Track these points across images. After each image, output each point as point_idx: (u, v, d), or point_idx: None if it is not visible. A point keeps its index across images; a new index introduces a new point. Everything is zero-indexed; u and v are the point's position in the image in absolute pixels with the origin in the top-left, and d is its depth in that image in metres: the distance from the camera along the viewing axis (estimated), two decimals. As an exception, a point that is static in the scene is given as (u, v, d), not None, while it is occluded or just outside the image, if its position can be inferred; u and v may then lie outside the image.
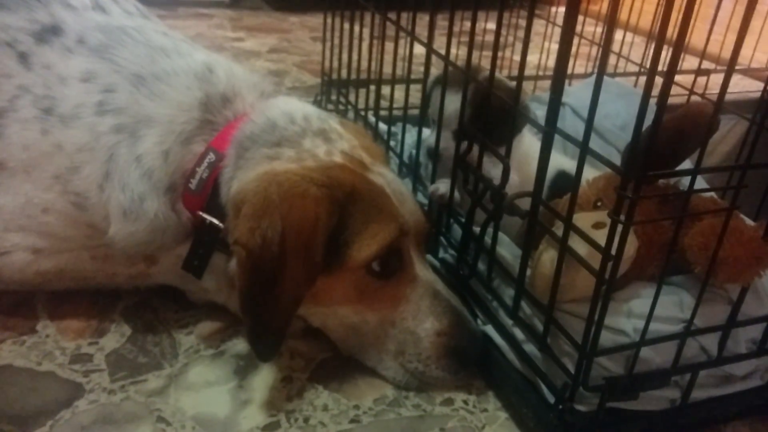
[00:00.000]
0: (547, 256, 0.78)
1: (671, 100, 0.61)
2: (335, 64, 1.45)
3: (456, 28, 0.93)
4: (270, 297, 0.74)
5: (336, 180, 0.78)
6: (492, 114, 0.84)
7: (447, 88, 0.96)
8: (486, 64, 0.91)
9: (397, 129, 1.28)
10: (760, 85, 1.37)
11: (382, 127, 1.28)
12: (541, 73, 1.66)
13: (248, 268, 0.74)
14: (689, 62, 1.57)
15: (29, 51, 0.87)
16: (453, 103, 0.95)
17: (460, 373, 0.85)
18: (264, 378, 0.84)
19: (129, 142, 0.83)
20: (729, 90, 0.63)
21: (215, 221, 0.82)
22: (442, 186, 0.97)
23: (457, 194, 0.96)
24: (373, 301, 0.82)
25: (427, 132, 1.11)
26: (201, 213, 0.83)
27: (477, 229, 0.91)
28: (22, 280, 0.90)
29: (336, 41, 1.41)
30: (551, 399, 0.77)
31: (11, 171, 0.85)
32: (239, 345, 0.90)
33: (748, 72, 2.00)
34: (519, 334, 0.84)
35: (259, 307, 0.75)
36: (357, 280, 0.81)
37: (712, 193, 0.96)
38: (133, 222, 0.83)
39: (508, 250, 0.90)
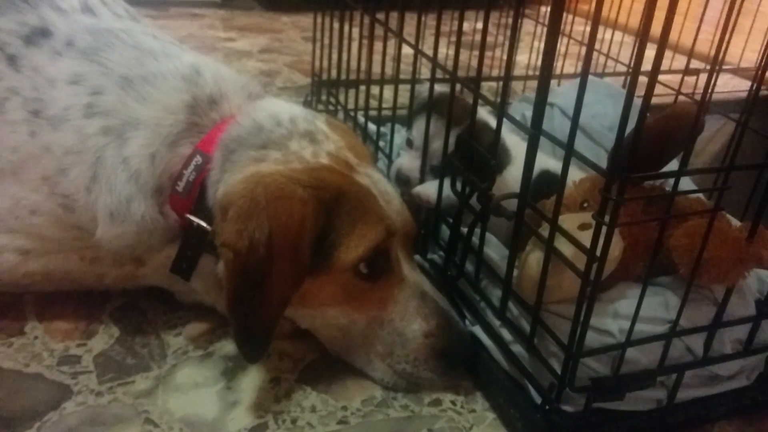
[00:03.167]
0: (534, 257, 0.78)
1: (659, 101, 0.61)
2: (325, 64, 1.45)
3: (446, 28, 0.94)
4: (257, 298, 0.74)
5: (322, 181, 0.78)
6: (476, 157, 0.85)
7: (433, 124, 0.97)
8: (475, 63, 0.92)
9: (386, 129, 1.28)
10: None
11: (372, 127, 1.28)
12: (530, 72, 1.66)
13: (235, 269, 0.74)
14: (679, 62, 1.57)
15: (18, 53, 0.87)
16: (436, 141, 0.97)
17: (447, 374, 0.85)
18: (252, 379, 0.85)
19: (116, 144, 0.83)
20: (719, 90, 0.64)
21: (203, 224, 0.82)
22: (428, 189, 0.98)
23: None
24: (360, 302, 0.83)
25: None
26: (188, 215, 0.83)
27: (465, 230, 0.92)
28: (10, 281, 0.90)
29: (326, 41, 1.41)
30: (538, 399, 0.78)
31: (2, 175, 0.84)
32: (227, 346, 0.90)
33: (738, 71, 2.01)
34: (506, 334, 0.84)
35: (246, 308, 0.75)
36: (344, 281, 0.81)
37: (700, 194, 0.96)
38: (120, 224, 0.83)
39: (495, 251, 0.90)
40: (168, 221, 0.85)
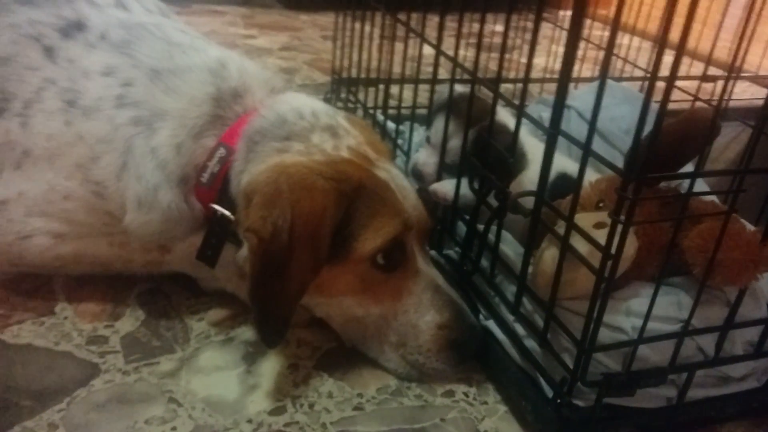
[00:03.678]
0: (549, 254, 0.80)
1: (676, 106, 0.62)
2: (345, 62, 1.47)
3: (465, 30, 0.96)
4: (277, 285, 0.77)
5: (343, 174, 0.81)
6: (493, 156, 0.87)
7: (451, 123, 0.99)
8: (494, 65, 0.93)
9: (404, 128, 1.30)
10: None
11: (390, 125, 1.31)
12: (547, 75, 1.68)
13: (259, 255, 0.76)
14: (697, 68, 1.58)
15: (55, 45, 0.90)
16: (455, 139, 0.99)
17: (459, 365, 0.87)
18: (271, 364, 0.87)
19: (145, 134, 0.86)
20: (736, 97, 0.65)
21: (226, 213, 0.85)
22: (446, 186, 1.00)
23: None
24: (376, 293, 0.85)
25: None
26: (213, 205, 0.86)
27: (481, 227, 0.94)
28: (42, 264, 0.93)
29: (347, 40, 1.44)
30: (550, 393, 0.79)
31: (35, 159, 0.88)
32: (248, 332, 0.92)
33: (756, 79, 2.01)
34: (520, 329, 0.86)
35: (267, 294, 0.77)
36: (361, 272, 0.83)
37: (714, 198, 0.98)
38: (147, 212, 0.86)
39: (510, 248, 0.92)
40: (193, 211, 0.88)
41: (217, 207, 0.86)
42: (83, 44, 0.90)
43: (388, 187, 0.85)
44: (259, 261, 0.76)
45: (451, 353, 0.86)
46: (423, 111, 1.23)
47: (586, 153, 0.69)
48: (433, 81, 1.08)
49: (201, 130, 0.87)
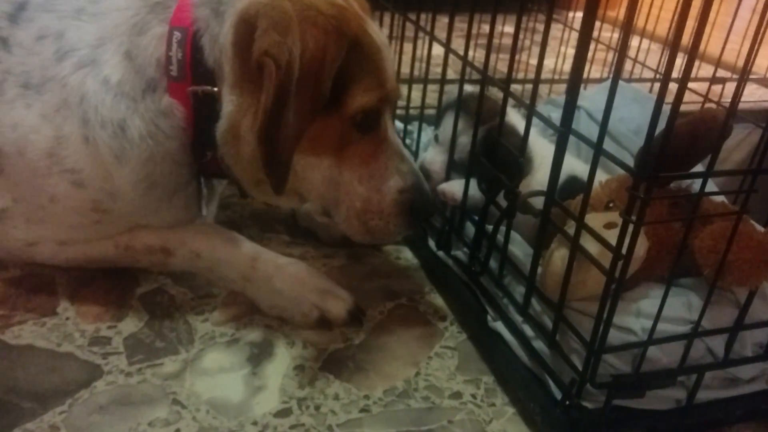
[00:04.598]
0: (559, 255, 0.79)
1: (686, 107, 0.62)
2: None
3: (473, 31, 0.95)
4: (282, 124, 0.75)
5: (344, 19, 0.79)
6: (501, 156, 0.87)
7: (461, 121, 0.99)
8: (502, 66, 0.93)
9: (413, 128, 1.30)
10: (776, 95, 1.38)
11: (399, 125, 1.30)
12: (556, 77, 1.67)
13: (275, 85, 0.73)
14: (705, 70, 1.57)
15: (7, 35, 0.87)
16: (463, 136, 0.99)
17: (410, 229, 0.91)
18: (277, 366, 0.86)
19: (93, 71, 0.82)
20: (745, 99, 0.64)
21: (208, 88, 0.82)
22: (454, 186, 1.00)
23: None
24: (350, 155, 0.86)
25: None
26: (191, 87, 0.82)
27: (490, 227, 0.93)
28: (54, 266, 0.93)
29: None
30: (558, 395, 0.79)
31: (12, 158, 0.85)
32: (253, 333, 0.91)
33: (764, 82, 2.00)
34: (528, 330, 0.85)
35: (274, 134, 0.75)
36: (343, 129, 0.84)
37: (724, 199, 0.97)
38: (126, 162, 0.83)
39: (519, 249, 0.92)
40: (175, 125, 0.83)
41: (195, 88, 0.82)
42: (25, 23, 0.87)
43: (380, 49, 0.84)
44: (275, 91, 0.73)
45: (406, 217, 0.89)
46: (431, 111, 1.22)
47: (598, 153, 0.68)
48: (443, 81, 1.08)
49: (143, 25, 0.83)
